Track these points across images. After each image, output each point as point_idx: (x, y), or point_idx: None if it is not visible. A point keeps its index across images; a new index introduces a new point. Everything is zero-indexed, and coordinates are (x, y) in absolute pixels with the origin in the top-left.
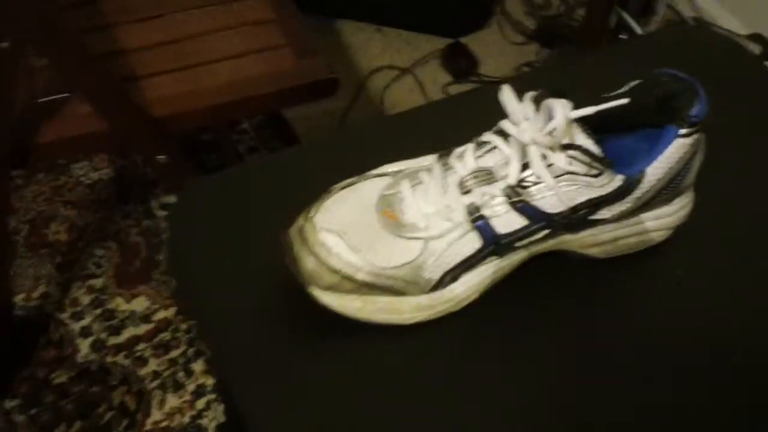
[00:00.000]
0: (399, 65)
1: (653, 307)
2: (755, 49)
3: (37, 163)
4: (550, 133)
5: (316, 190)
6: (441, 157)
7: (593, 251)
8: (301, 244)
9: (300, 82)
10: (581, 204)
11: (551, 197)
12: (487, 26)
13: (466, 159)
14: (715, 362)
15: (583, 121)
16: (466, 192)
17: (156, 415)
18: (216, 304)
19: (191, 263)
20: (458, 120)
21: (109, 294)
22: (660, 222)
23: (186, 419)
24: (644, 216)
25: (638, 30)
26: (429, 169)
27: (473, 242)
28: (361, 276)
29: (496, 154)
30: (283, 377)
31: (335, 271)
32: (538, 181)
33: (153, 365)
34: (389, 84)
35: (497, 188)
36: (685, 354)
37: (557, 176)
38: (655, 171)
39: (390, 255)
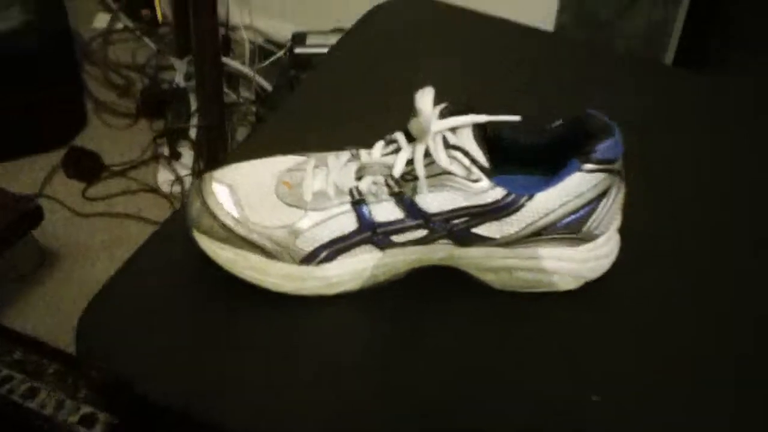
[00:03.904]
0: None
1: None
2: None
3: None
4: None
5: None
6: (355, 149)
7: (489, 277)
8: (196, 190)
9: None
10: (459, 210)
11: (429, 194)
12: (89, 121)
13: (374, 152)
14: None
15: (500, 150)
16: (359, 178)
17: None
18: None
19: None
20: None
21: None
22: (561, 265)
23: None
24: (542, 251)
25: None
26: (337, 156)
27: (350, 223)
28: (234, 225)
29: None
30: None
31: (213, 216)
32: (418, 176)
33: None
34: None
35: (383, 177)
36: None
37: (437, 174)
38: (547, 198)
39: (270, 215)
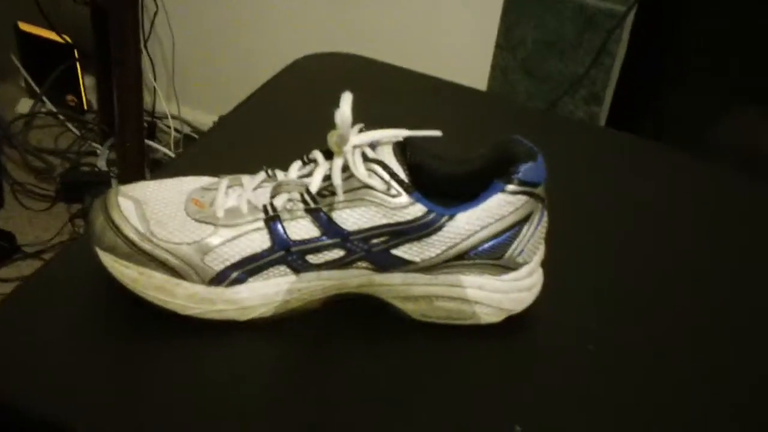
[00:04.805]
0: None
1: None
2: None
3: None
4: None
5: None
6: (271, 170)
7: (409, 307)
8: (101, 205)
9: None
10: (377, 228)
11: (346, 210)
12: (6, 203)
13: (290, 172)
14: None
15: (425, 178)
16: (274, 196)
17: None
18: None
19: None
20: None
21: None
22: (483, 294)
23: None
24: (464, 279)
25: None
26: (252, 177)
27: (263, 241)
28: (138, 239)
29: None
30: None
31: (117, 231)
32: (335, 189)
33: None
34: None
35: (299, 194)
36: None
37: (355, 188)
38: (468, 219)
39: (178, 231)
